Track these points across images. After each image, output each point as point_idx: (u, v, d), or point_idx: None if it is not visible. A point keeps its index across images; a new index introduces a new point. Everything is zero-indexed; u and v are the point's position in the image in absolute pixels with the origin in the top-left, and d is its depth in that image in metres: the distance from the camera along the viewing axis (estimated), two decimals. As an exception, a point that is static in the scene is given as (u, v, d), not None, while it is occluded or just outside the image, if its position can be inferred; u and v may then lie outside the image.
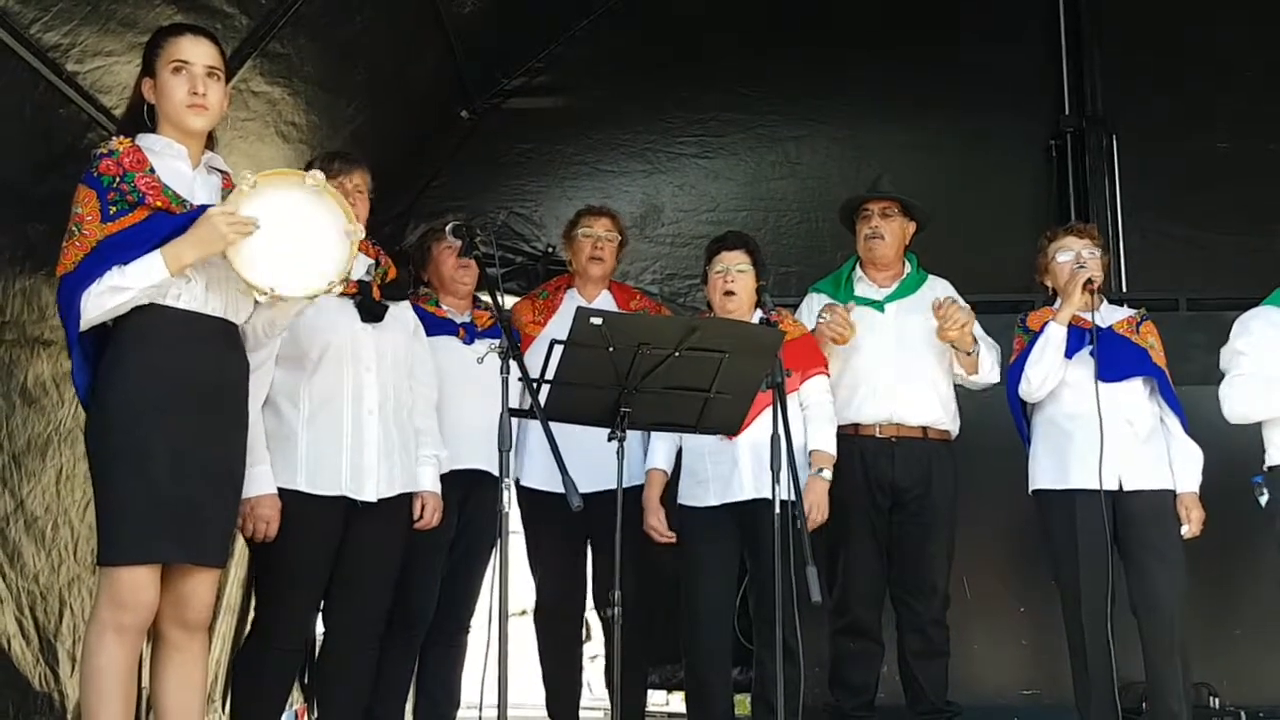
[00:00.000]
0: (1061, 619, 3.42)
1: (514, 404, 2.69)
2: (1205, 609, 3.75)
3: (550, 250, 4.56)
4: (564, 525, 3.22)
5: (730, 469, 3.20)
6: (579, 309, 2.52)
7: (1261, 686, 3.87)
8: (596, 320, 2.44)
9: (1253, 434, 3.37)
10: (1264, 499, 3.32)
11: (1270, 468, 3.30)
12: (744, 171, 4.84)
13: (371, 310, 2.89)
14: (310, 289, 2.36)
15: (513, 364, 2.54)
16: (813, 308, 3.71)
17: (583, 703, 3.70)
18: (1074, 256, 3.43)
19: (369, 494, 2.81)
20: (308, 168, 2.58)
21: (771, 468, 2.75)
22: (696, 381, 2.61)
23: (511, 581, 2.70)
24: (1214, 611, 3.92)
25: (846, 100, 4.87)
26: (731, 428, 2.80)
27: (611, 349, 2.47)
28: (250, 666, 2.82)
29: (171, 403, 2.30)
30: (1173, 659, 3.27)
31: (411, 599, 3.11)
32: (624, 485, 3.34)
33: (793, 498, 2.72)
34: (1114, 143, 4.70)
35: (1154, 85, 4.78)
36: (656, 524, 3.25)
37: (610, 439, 2.61)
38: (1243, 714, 3.96)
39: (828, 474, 3.32)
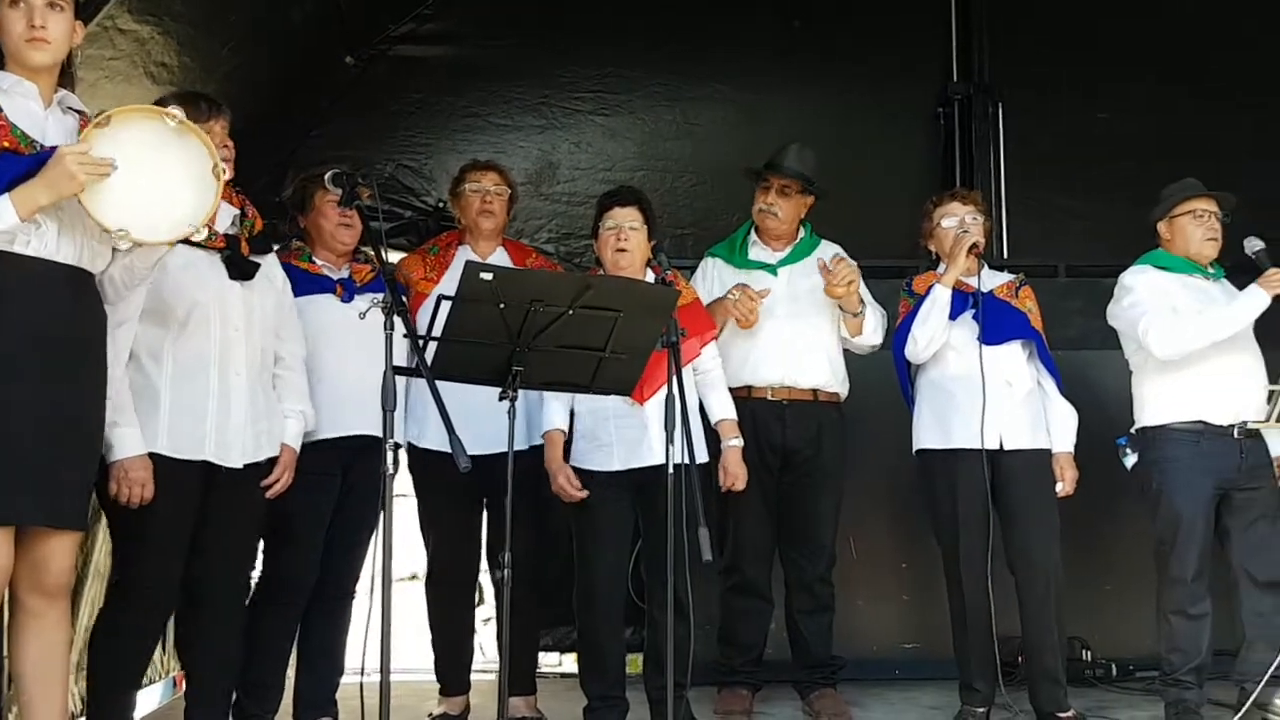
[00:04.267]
0: (942, 575, 3.51)
1: (401, 363, 2.59)
2: (1078, 566, 3.89)
3: (440, 205, 4.42)
4: (460, 488, 3.15)
5: (639, 434, 3.16)
6: (468, 263, 2.43)
7: (1130, 639, 4.04)
8: (486, 275, 2.36)
9: (1124, 397, 3.50)
10: (1129, 460, 3.45)
11: (1138, 429, 3.43)
12: (641, 131, 4.77)
13: (241, 267, 2.74)
14: (171, 233, 2.22)
15: (397, 320, 2.43)
16: (707, 273, 3.70)
17: (475, 665, 3.65)
18: (958, 222, 3.48)
19: (234, 460, 2.70)
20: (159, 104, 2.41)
21: (666, 427, 2.73)
22: (591, 340, 2.56)
23: (402, 546, 2.62)
24: (1086, 568, 4.08)
25: (743, 63, 4.82)
26: (626, 389, 2.76)
27: (502, 305, 2.39)
28: (108, 630, 2.69)
29: (22, 357, 2.15)
30: (1047, 614, 3.39)
31: (290, 566, 3.01)
32: (521, 447, 3.34)
33: (688, 460, 2.70)
34: (999, 111, 4.78)
35: (1040, 55, 4.86)
36: (566, 483, 3.18)
37: (501, 398, 2.54)
38: (1113, 666, 4.17)
39: (738, 442, 3.33)
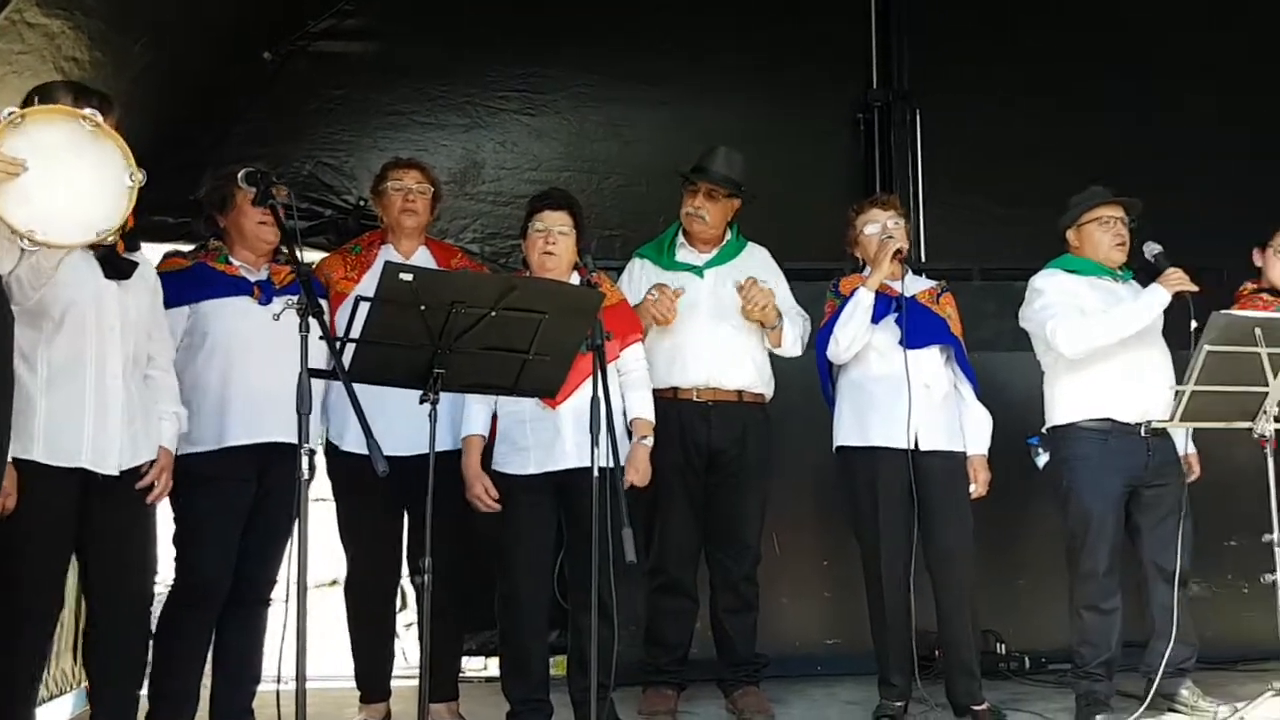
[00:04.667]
0: (862, 571, 3.57)
1: (320, 365, 2.54)
2: (993, 562, 4.00)
3: (362, 204, 4.36)
4: (381, 492, 3.10)
5: (553, 437, 3.16)
6: (387, 263, 2.40)
7: (1043, 633, 4.14)
8: (406, 276, 2.33)
9: (1034, 397, 3.60)
10: (1041, 460, 3.55)
11: (1049, 428, 3.53)
12: (568, 131, 4.76)
13: (117, 265, 2.65)
14: (81, 237, 2.17)
15: (313, 321, 2.38)
16: (634, 273, 3.71)
17: (396, 671, 3.60)
18: (880, 228, 3.55)
19: (110, 467, 2.62)
20: (28, 100, 2.32)
21: (590, 430, 2.73)
22: (514, 342, 2.53)
23: (322, 550, 2.56)
24: (1001, 565, 4.19)
25: (670, 66, 4.84)
26: (551, 390, 2.75)
27: (423, 307, 2.36)
28: None
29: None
30: (963, 609, 3.47)
31: (200, 569, 2.94)
32: (446, 448, 3.30)
33: (611, 463, 2.70)
34: (918, 118, 4.88)
35: (957, 64, 4.97)
36: (482, 492, 3.16)
37: (422, 401, 2.51)
38: (1026, 659, 4.28)
39: (649, 441, 3.34)
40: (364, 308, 2.38)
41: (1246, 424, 2.74)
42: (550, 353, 2.55)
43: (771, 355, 3.71)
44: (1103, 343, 3.35)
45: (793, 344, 3.62)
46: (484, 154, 4.68)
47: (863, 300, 3.47)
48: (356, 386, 2.40)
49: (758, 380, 3.65)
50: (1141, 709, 3.28)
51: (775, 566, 4.22)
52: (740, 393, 3.61)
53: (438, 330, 2.41)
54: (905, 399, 3.39)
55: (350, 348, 2.46)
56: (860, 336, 3.47)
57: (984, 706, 3.45)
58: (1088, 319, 3.39)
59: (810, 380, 3.72)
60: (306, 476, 2.35)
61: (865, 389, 3.50)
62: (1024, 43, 4.99)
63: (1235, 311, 2.63)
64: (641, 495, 3.36)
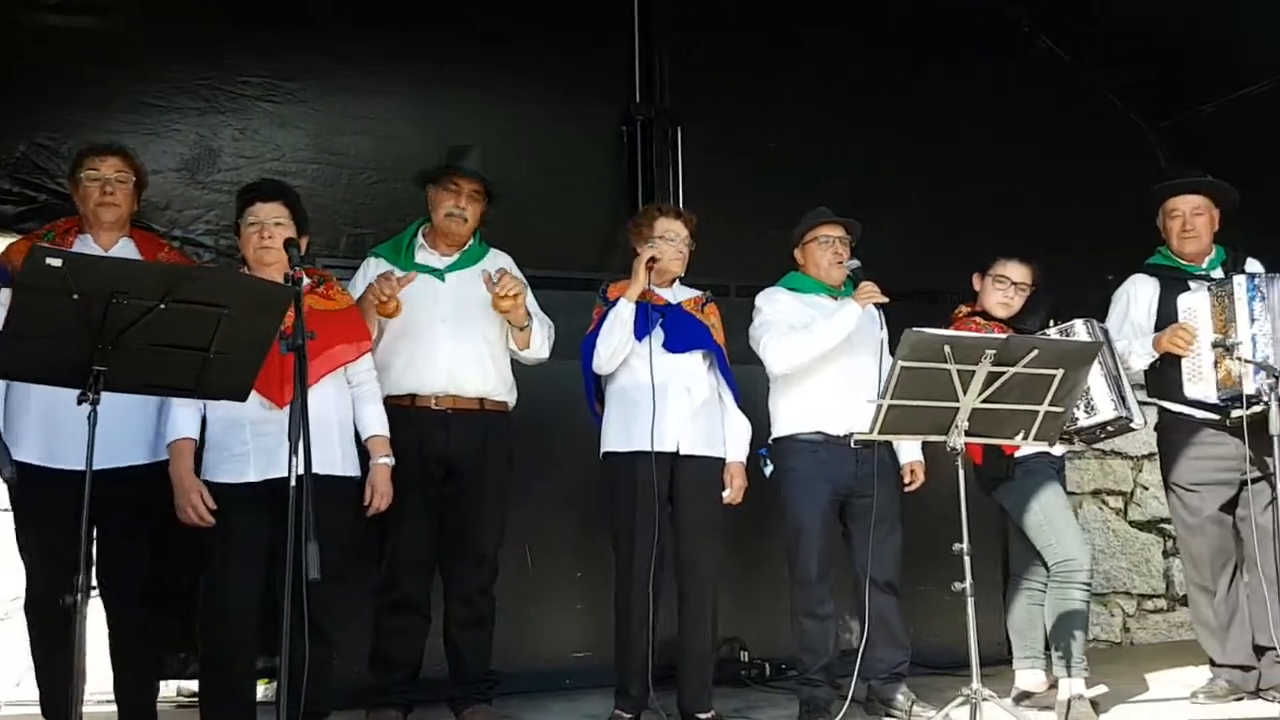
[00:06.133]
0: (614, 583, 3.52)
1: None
2: (738, 569, 4.06)
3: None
4: (57, 504, 2.82)
5: (278, 441, 2.94)
6: (34, 247, 2.16)
7: (783, 640, 4.19)
8: (55, 261, 2.10)
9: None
10: (768, 470, 3.63)
11: (772, 440, 3.61)
12: (315, 121, 4.50)
13: None
14: None
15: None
16: (369, 274, 3.55)
17: (88, 695, 3.28)
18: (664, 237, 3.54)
19: None
20: None
21: (289, 438, 2.55)
22: (193, 339, 2.34)
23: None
24: (745, 571, 4.26)
25: (428, 63, 4.67)
26: (238, 393, 2.55)
27: (76, 296, 2.13)
28: None
29: None
30: (705, 616, 3.49)
31: None
32: (142, 461, 3.05)
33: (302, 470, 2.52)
34: (679, 134, 4.92)
35: (717, 83, 5.03)
36: (198, 501, 2.95)
37: (81, 401, 2.27)
38: (767, 665, 4.36)
39: (389, 460, 3.23)
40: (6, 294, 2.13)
41: (941, 437, 2.84)
42: (233, 351, 2.35)
43: (515, 364, 3.63)
44: (805, 358, 3.47)
45: (540, 346, 3.55)
46: (221, 141, 4.36)
47: (622, 311, 3.45)
48: (45, 389, 2.14)
49: (500, 387, 3.57)
50: (844, 710, 3.36)
51: (527, 580, 4.16)
52: (482, 400, 3.52)
53: (96, 323, 2.18)
54: (667, 404, 3.40)
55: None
56: (620, 348, 3.46)
57: (710, 715, 3.47)
58: (792, 336, 3.49)
59: (574, 390, 3.66)
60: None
61: (629, 395, 3.48)
62: (785, 64, 5.11)
63: (926, 330, 2.73)
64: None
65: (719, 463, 3.56)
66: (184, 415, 3.04)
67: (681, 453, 3.45)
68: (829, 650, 3.48)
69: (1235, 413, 3.50)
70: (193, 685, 3.74)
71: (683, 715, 3.51)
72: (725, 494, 3.56)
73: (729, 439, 3.59)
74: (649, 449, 3.38)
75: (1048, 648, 3.61)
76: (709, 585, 3.51)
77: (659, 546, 3.40)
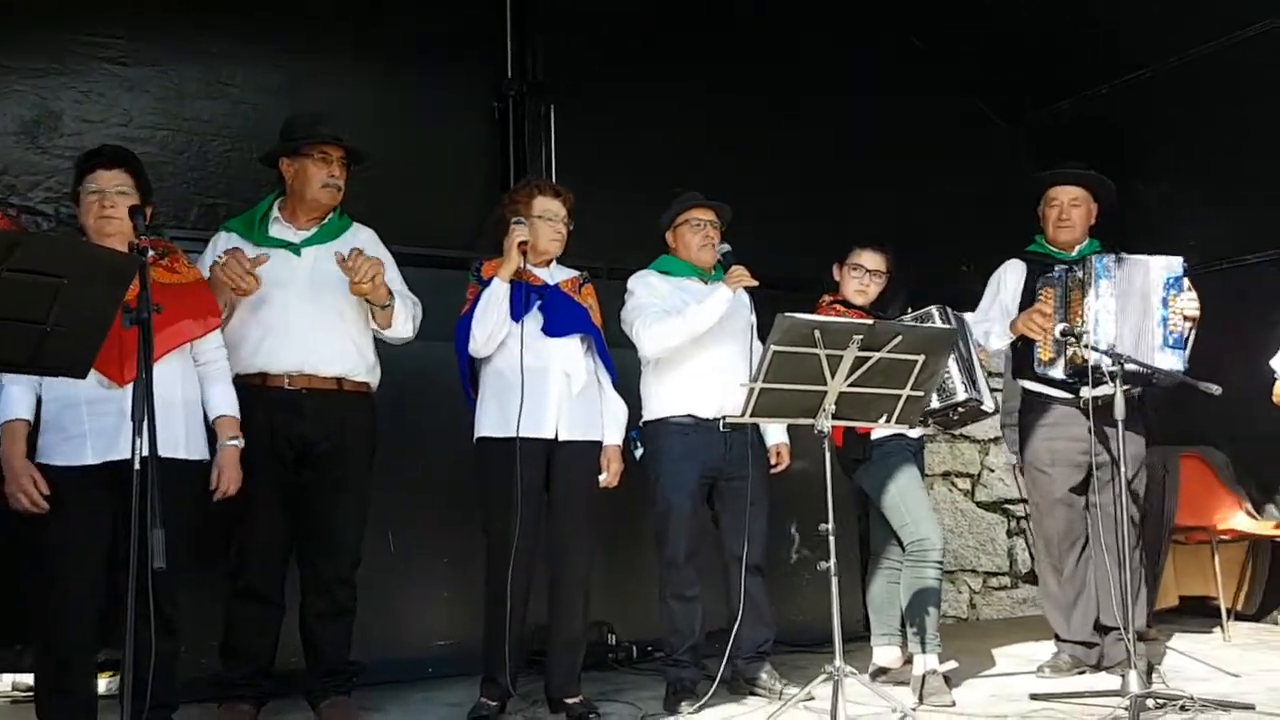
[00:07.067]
0: (483, 569, 3.45)
1: None
2: (609, 552, 4.03)
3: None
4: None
5: (118, 421, 2.80)
6: None
7: (652, 623, 4.19)
8: None
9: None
10: (639, 452, 3.62)
11: (643, 423, 3.61)
12: (164, 85, 4.26)
13: None
14: None
15: None
16: (219, 248, 3.36)
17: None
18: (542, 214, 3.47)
19: None
20: None
21: (133, 418, 2.40)
22: (27, 311, 2.16)
23: None
24: (616, 554, 4.24)
25: (293, 30, 4.48)
26: (79, 368, 2.38)
27: (-117, 263, 1.94)
28: None
29: None
30: (577, 600, 3.46)
31: None
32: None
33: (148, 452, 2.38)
34: (551, 111, 4.85)
35: (591, 61, 4.99)
36: (30, 486, 2.77)
37: (-106, 376, 2.07)
38: (635, 648, 4.37)
39: (238, 442, 3.09)
40: None
41: (809, 420, 2.89)
42: (70, 324, 2.19)
43: (381, 344, 3.50)
44: (676, 342, 3.48)
45: (403, 325, 3.43)
46: (62, 103, 4.08)
47: (497, 291, 3.37)
48: None
49: (360, 367, 3.43)
50: (711, 690, 3.40)
51: (390, 567, 4.04)
52: (340, 380, 3.37)
53: (-91, 292, 2.00)
54: (546, 389, 3.33)
55: None
56: (497, 331, 3.37)
57: (578, 699, 3.44)
58: (665, 320, 3.49)
59: (445, 372, 3.56)
60: None
61: (506, 379, 3.39)
62: (659, 42, 5.10)
63: (798, 315, 2.77)
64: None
65: (596, 447, 3.52)
66: (15, 394, 2.84)
67: (560, 438, 3.41)
68: (695, 632, 3.50)
69: (1084, 391, 3.64)
70: (29, 679, 3.51)
71: (550, 700, 3.48)
72: (602, 478, 3.53)
73: (606, 422, 3.56)
74: (526, 435, 3.32)
75: (903, 625, 3.71)
76: (582, 570, 3.48)
77: (533, 533, 3.34)
